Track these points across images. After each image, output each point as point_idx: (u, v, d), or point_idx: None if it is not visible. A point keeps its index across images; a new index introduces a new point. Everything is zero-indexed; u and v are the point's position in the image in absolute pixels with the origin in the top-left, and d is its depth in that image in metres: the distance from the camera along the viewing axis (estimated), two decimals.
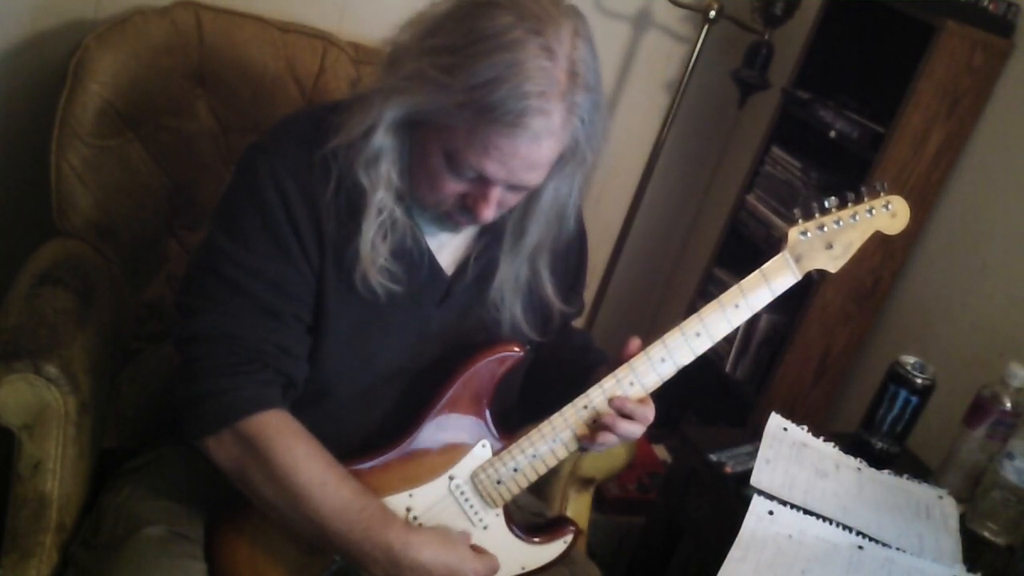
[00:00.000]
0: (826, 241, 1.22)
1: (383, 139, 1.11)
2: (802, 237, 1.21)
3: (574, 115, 1.07)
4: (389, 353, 1.23)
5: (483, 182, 1.11)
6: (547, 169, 1.13)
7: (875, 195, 1.25)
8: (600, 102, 1.11)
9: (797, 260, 1.22)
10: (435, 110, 1.06)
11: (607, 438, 1.21)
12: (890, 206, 1.25)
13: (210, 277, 1.15)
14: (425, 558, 1.14)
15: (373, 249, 1.14)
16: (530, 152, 1.07)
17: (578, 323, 1.53)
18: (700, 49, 2.26)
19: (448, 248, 1.25)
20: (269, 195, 1.13)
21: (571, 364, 1.37)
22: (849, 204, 1.23)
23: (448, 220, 1.19)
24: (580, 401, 1.21)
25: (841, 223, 1.22)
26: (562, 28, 1.05)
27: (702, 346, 1.21)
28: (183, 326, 1.15)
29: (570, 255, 1.35)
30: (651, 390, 1.22)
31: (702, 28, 2.25)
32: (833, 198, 1.22)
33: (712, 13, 2.22)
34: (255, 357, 1.14)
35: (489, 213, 1.13)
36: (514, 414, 1.32)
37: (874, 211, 1.24)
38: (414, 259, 1.20)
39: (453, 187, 1.13)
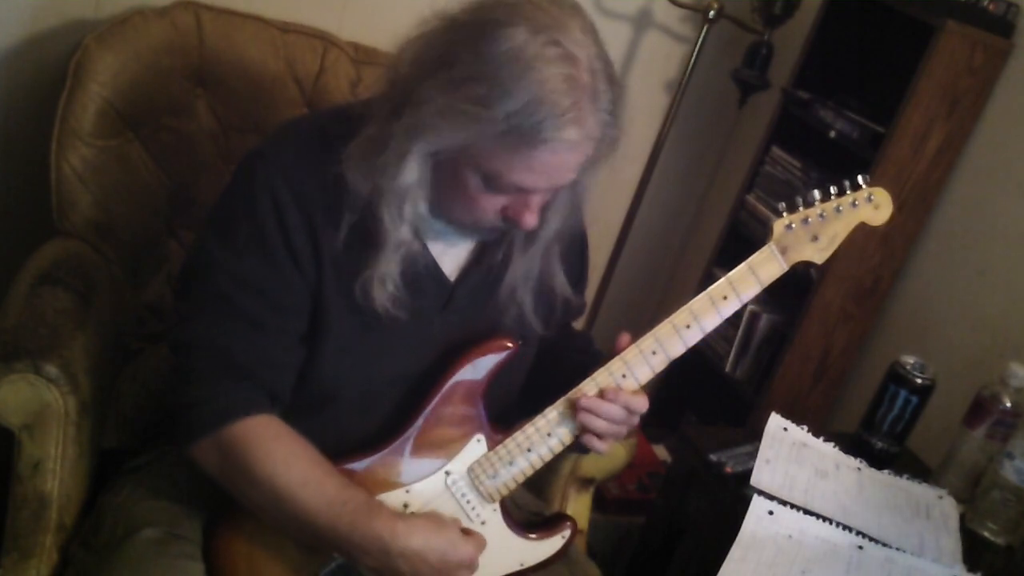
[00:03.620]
0: (811, 233, 1.25)
1: (411, 176, 1.10)
2: (787, 229, 1.23)
3: (602, 111, 1.08)
4: (390, 360, 1.23)
5: (523, 192, 1.11)
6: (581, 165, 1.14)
7: (857, 188, 1.27)
8: (620, 91, 1.11)
9: (783, 252, 1.24)
10: (476, 140, 1.05)
11: (597, 423, 1.21)
12: (872, 198, 1.27)
13: (199, 283, 1.15)
14: (415, 544, 1.14)
15: (387, 279, 1.14)
16: (570, 158, 1.09)
17: (578, 323, 1.53)
18: (700, 49, 2.26)
19: (450, 254, 1.24)
20: (263, 203, 1.12)
21: (571, 365, 1.37)
22: (832, 197, 1.26)
23: (485, 232, 1.19)
24: (574, 394, 1.22)
25: (825, 215, 1.24)
26: (572, 29, 1.05)
27: (692, 338, 1.22)
28: (175, 332, 1.16)
29: (573, 249, 1.35)
30: (643, 382, 1.23)
31: (702, 28, 2.25)
32: (816, 191, 1.25)
33: (712, 13, 2.22)
34: (236, 367, 1.13)
35: (533, 220, 1.14)
36: (513, 414, 1.32)
37: (857, 203, 1.26)
38: (420, 275, 1.19)
39: (493, 203, 1.13)
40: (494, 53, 1.03)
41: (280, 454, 1.13)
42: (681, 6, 2.29)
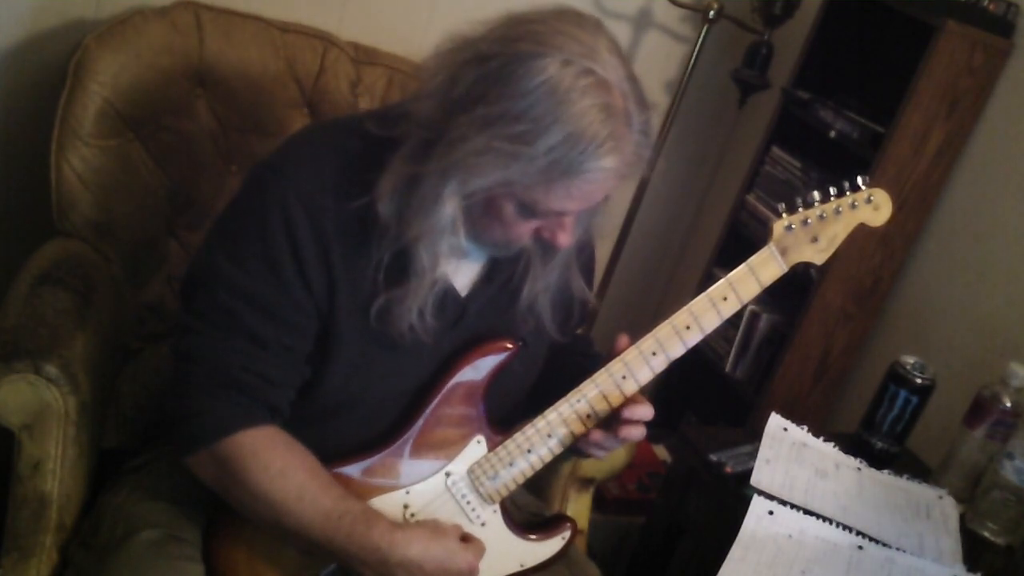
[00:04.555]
0: (811, 234, 1.25)
1: (448, 215, 1.09)
2: (787, 231, 1.24)
3: (636, 132, 1.08)
4: (399, 374, 1.22)
5: (559, 214, 1.12)
6: None
7: (857, 189, 1.27)
8: (650, 113, 1.11)
9: (783, 253, 1.24)
10: (514, 177, 1.05)
11: (608, 441, 1.22)
12: (872, 199, 1.27)
13: (203, 294, 1.14)
14: (413, 554, 1.14)
15: (415, 310, 1.13)
16: (608, 183, 1.09)
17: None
18: (700, 49, 2.26)
19: (463, 270, 1.23)
20: (274, 219, 1.11)
21: (570, 367, 1.37)
22: (832, 198, 1.26)
23: (514, 250, 1.19)
24: (573, 396, 1.22)
25: (824, 217, 1.25)
26: (600, 51, 1.05)
27: (692, 339, 1.23)
28: (177, 341, 1.15)
29: (583, 254, 1.35)
30: (643, 383, 1.23)
31: (702, 28, 2.25)
32: (815, 192, 1.25)
33: (712, 13, 2.22)
34: (235, 381, 1.12)
35: (568, 239, 1.15)
36: (517, 418, 1.32)
37: (856, 204, 1.26)
38: (435, 294, 1.17)
39: (528, 227, 1.13)
40: (528, 89, 1.01)
41: (276, 467, 1.12)
42: (681, 6, 2.29)
